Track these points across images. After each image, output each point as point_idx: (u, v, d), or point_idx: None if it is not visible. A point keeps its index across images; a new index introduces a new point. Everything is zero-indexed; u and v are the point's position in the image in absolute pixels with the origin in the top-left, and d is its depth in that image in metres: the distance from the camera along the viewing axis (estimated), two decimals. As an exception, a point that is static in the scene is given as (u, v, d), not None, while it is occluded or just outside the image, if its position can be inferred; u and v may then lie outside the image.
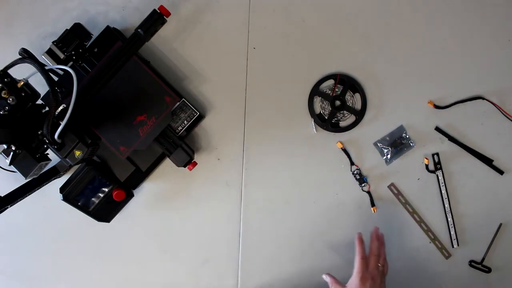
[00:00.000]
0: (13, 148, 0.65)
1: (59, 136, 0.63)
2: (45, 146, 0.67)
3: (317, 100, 0.85)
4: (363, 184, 0.85)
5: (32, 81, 0.63)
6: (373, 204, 0.84)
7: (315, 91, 0.84)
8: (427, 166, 0.84)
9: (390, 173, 0.85)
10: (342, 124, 0.85)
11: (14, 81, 0.61)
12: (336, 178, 0.85)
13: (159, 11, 0.74)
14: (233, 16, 0.85)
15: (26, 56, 0.67)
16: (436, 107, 0.83)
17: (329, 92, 0.84)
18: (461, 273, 0.85)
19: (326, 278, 0.78)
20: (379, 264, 0.74)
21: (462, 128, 0.84)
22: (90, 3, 0.85)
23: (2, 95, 0.60)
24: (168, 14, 0.75)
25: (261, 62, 0.85)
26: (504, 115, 0.83)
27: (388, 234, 0.85)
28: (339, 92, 0.84)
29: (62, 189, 0.76)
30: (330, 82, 0.84)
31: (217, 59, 0.85)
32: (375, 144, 0.85)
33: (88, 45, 0.77)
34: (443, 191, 0.84)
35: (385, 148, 0.84)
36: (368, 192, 0.85)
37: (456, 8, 0.83)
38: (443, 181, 0.84)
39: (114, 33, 0.79)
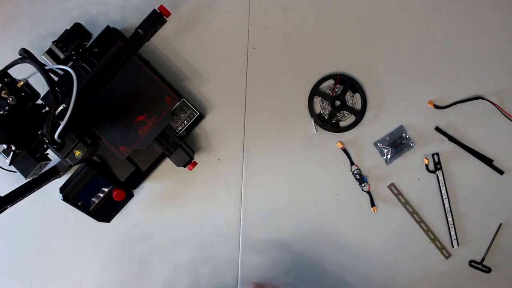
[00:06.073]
0: (13, 148, 0.65)
1: (59, 136, 0.63)
2: (45, 146, 0.67)
3: (317, 100, 0.85)
4: (363, 184, 0.84)
5: (32, 81, 0.63)
6: (373, 204, 0.84)
7: (315, 91, 0.84)
8: (427, 166, 0.84)
9: (390, 173, 0.85)
10: (342, 124, 0.85)
11: (14, 81, 0.61)
12: (336, 178, 0.85)
13: (159, 11, 0.74)
14: (233, 16, 0.85)
15: (26, 56, 0.67)
16: (436, 107, 0.83)
17: (329, 92, 0.84)
18: (461, 273, 0.85)
19: None
20: None
21: (462, 128, 0.84)
22: (90, 3, 0.85)
23: (2, 95, 0.60)
24: (168, 14, 0.75)
25: (261, 62, 0.85)
26: (504, 115, 0.83)
27: (388, 234, 0.85)
28: (339, 92, 0.84)
29: (62, 189, 0.76)
30: (330, 82, 0.84)
31: (217, 59, 0.85)
32: (375, 144, 0.85)
33: (88, 45, 0.77)
34: (443, 191, 0.84)
35: (385, 148, 0.84)
36: (368, 192, 0.85)
37: (456, 8, 0.83)
38: (443, 181, 0.84)
39: (114, 33, 0.79)
